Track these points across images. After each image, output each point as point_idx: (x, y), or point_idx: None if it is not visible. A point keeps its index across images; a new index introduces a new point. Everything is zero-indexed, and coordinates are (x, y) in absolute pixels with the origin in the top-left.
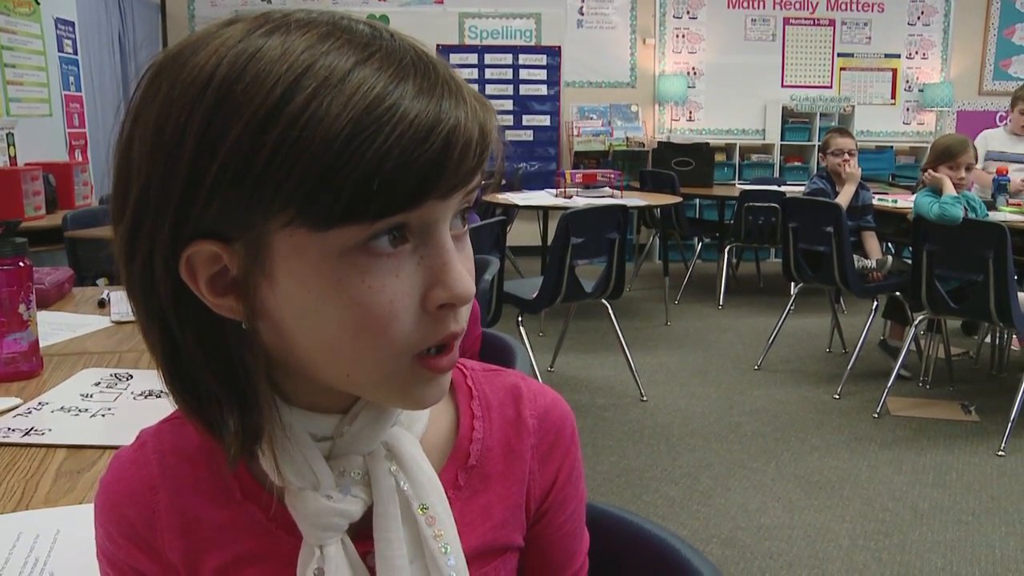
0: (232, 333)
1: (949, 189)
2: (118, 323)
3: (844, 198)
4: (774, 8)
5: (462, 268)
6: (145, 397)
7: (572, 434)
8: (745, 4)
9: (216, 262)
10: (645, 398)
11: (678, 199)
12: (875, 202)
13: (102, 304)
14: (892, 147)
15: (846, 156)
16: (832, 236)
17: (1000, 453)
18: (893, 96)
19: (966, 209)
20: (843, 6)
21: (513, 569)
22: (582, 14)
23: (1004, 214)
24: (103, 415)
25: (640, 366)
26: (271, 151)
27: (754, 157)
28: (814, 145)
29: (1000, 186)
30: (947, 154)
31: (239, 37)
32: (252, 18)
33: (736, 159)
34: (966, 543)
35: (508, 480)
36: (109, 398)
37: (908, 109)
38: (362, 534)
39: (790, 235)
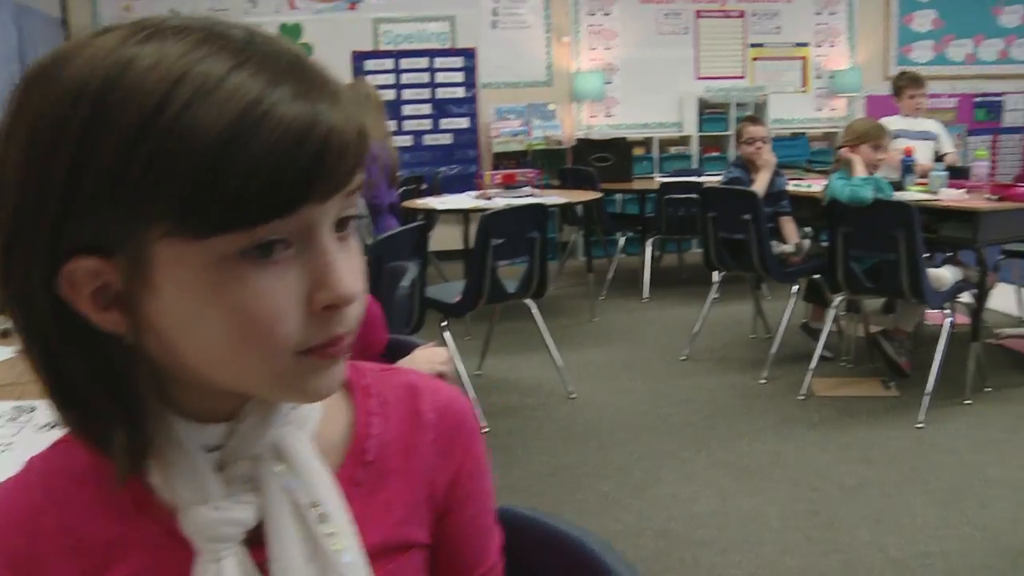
0: (116, 347)
1: (860, 171)
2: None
3: (760, 185)
4: (686, 1)
5: (345, 269)
6: (49, 428)
7: (472, 429)
8: None
9: (97, 277)
10: (574, 395)
11: (598, 195)
12: (791, 187)
13: (5, 334)
14: (805, 134)
15: (759, 144)
16: (750, 223)
17: (919, 425)
18: (804, 84)
19: (875, 190)
20: None
21: (420, 567)
22: (496, 15)
23: (912, 193)
24: (2, 450)
25: (568, 364)
26: (145, 162)
27: (673, 150)
28: (731, 135)
29: (907, 167)
30: (869, 136)
31: (113, 46)
32: (127, 26)
33: (655, 152)
34: (890, 515)
35: (408, 476)
36: (9, 432)
37: (820, 96)
38: (261, 541)
39: (709, 224)
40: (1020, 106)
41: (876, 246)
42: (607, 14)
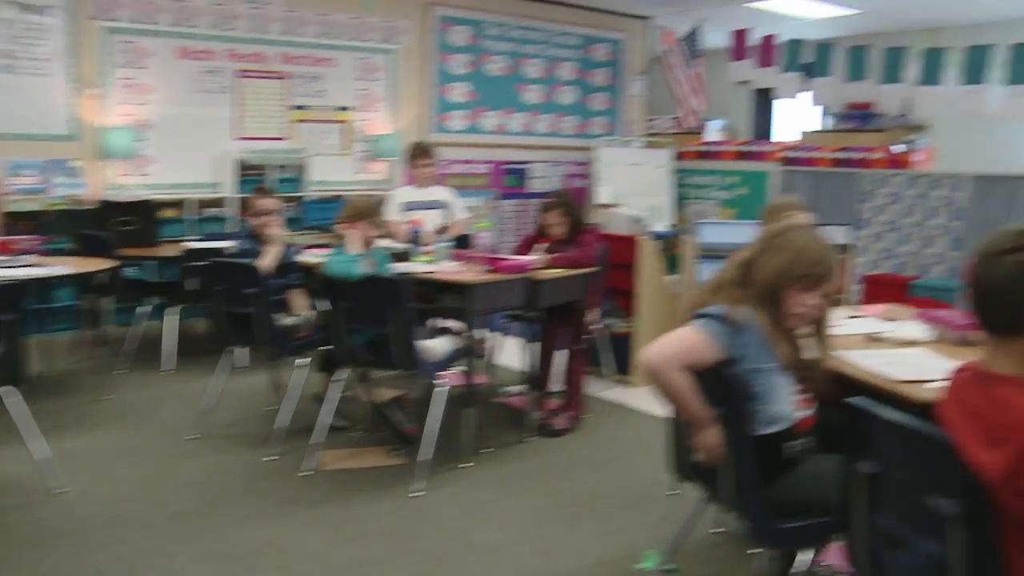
0: None
1: (353, 247)
2: None
3: (268, 260)
4: (227, 60)
5: None
6: None
7: None
8: (195, 55)
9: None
10: (63, 490)
11: (113, 263)
12: (303, 258)
13: None
14: (344, 196)
15: (268, 217)
16: (255, 298)
17: (414, 493)
18: (346, 147)
19: (375, 264)
20: (296, 60)
21: None
22: (12, 58)
23: (416, 264)
24: None
25: (66, 452)
26: None
27: (209, 211)
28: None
29: (414, 238)
30: (367, 213)
31: None
32: None
33: (191, 214)
34: None
35: None
36: None
37: (361, 159)
38: None
39: (216, 298)
40: (543, 173)
41: (372, 320)
42: (141, 67)
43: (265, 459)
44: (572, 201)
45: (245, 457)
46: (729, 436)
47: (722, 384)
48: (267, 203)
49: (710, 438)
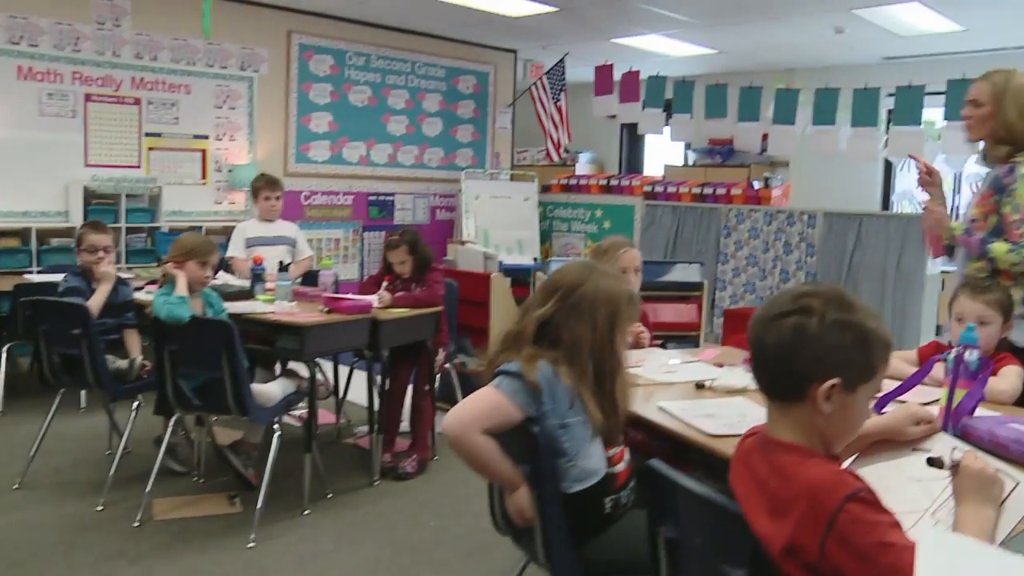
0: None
1: (181, 288)
2: None
3: (99, 298)
4: (73, 83)
5: None
6: None
7: None
8: (39, 76)
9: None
10: None
11: None
12: (140, 296)
13: None
14: (203, 227)
15: (100, 254)
16: (82, 339)
17: (250, 545)
18: (204, 176)
19: (205, 307)
20: (149, 85)
21: None
22: None
23: (256, 304)
24: None
25: None
26: None
27: (56, 241)
28: (122, 227)
29: (256, 275)
30: (197, 251)
31: None
32: None
33: (33, 244)
34: None
35: None
36: None
37: (219, 189)
38: None
39: (42, 338)
40: (408, 206)
41: (202, 364)
42: None
43: (95, 509)
44: (417, 239)
45: (71, 508)
46: (538, 495)
47: (529, 442)
48: (98, 239)
49: (520, 500)
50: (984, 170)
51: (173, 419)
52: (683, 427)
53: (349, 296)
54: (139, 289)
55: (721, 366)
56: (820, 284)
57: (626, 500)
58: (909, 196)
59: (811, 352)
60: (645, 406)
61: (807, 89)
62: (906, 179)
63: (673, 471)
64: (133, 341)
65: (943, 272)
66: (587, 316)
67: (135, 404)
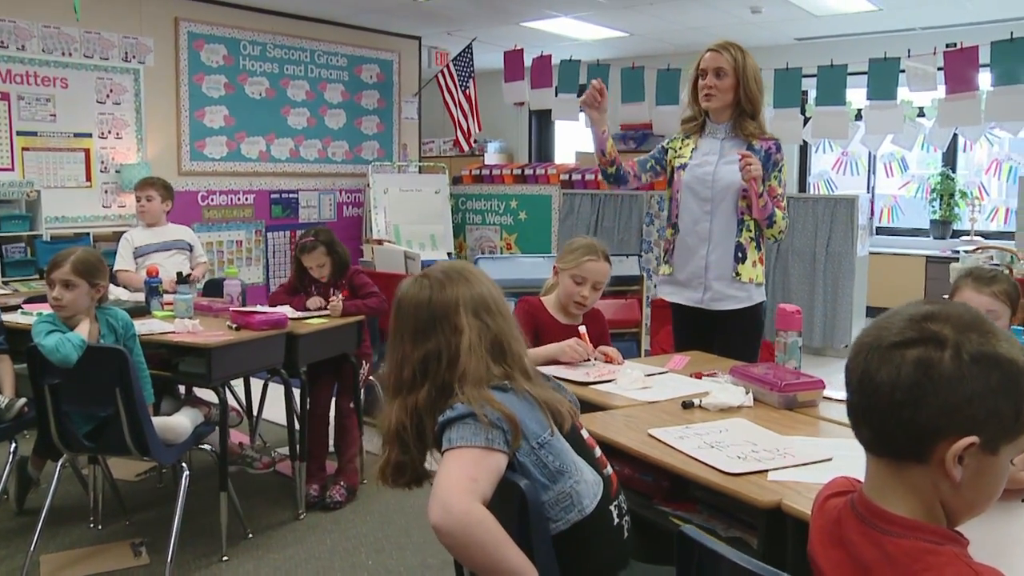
0: None
1: (85, 330)
2: None
3: None
4: None
5: None
6: None
7: None
8: None
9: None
10: None
11: None
12: (13, 317)
13: None
14: (89, 233)
15: None
16: None
17: None
18: (88, 178)
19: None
20: (18, 79)
21: None
22: None
23: (155, 322)
24: None
25: None
26: None
27: None
28: None
29: (151, 288)
30: (88, 273)
31: None
32: None
33: None
34: None
35: None
36: None
37: (107, 191)
38: None
39: None
40: (313, 203)
41: (92, 400)
42: None
43: None
44: (334, 238)
45: None
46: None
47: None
48: None
49: None
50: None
51: (59, 462)
52: (686, 461)
53: (260, 309)
54: (13, 309)
55: (699, 377)
56: (945, 303)
57: (625, 509)
58: (826, 177)
59: (942, 399)
60: (629, 433)
61: None
62: (822, 160)
63: (719, 544)
64: (5, 370)
65: (871, 254)
66: (458, 325)
67: (12, 447)
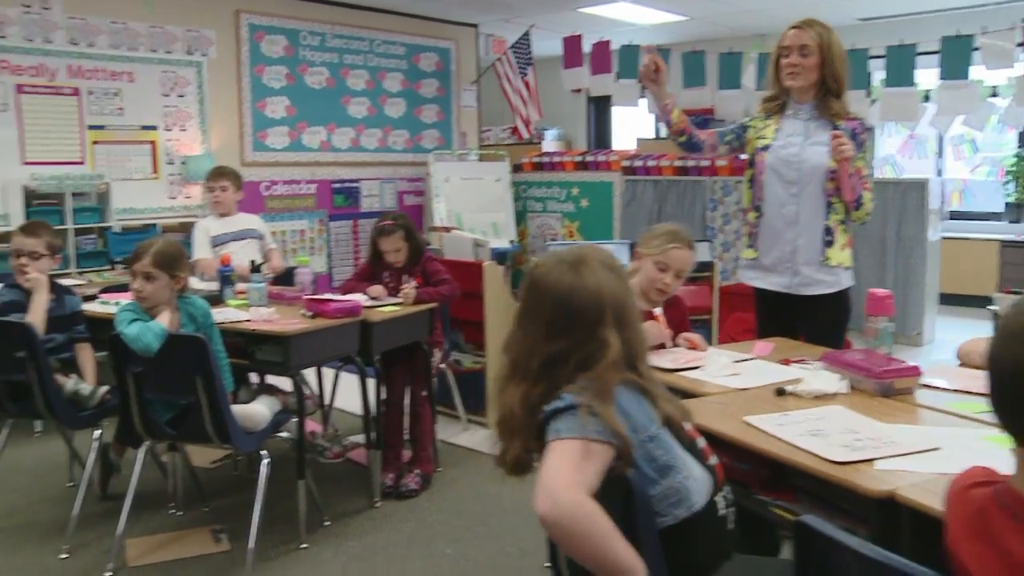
0: None
1: (166, 320)
2: None
3: (37, 312)
4: (3, 73)
5: None
6: None
7: None
8: None
9: None
10: None
11: None
12: (95, 307)
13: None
14: (157, 224)
15: (23, 260)
16: (28, 362)
17: None
18: (155, 170)
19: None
20: (88, 74)
21: None
22: None
23: (230, 311)
24: None
25: None
26: None
27: None
28: (69, 229)
29: (225, 277)
30: (170, 264)
31: None
32: None
33: None
34: None
35: None
36: None
37: (172, 183)
38: None
39: None
40: (375, 192)
41: (173, 387)
42: None
43: (59, 557)
44: (412, 224)
45: (32, 557)
46: (642, 549)
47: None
48: (21, 242)
49: None
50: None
51: (142, 449)
52: (788, 450)
53: (334, 297)
54: (92, 298)
55: (786, 363)
56: None
57: (731, 500)
58: (892, 161)
59: None
60: (725, 420)
61: None
62: (887, 143)
63: (845, 535)
64: (87, 358)
65: (943, 239)
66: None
67: (97, 433)
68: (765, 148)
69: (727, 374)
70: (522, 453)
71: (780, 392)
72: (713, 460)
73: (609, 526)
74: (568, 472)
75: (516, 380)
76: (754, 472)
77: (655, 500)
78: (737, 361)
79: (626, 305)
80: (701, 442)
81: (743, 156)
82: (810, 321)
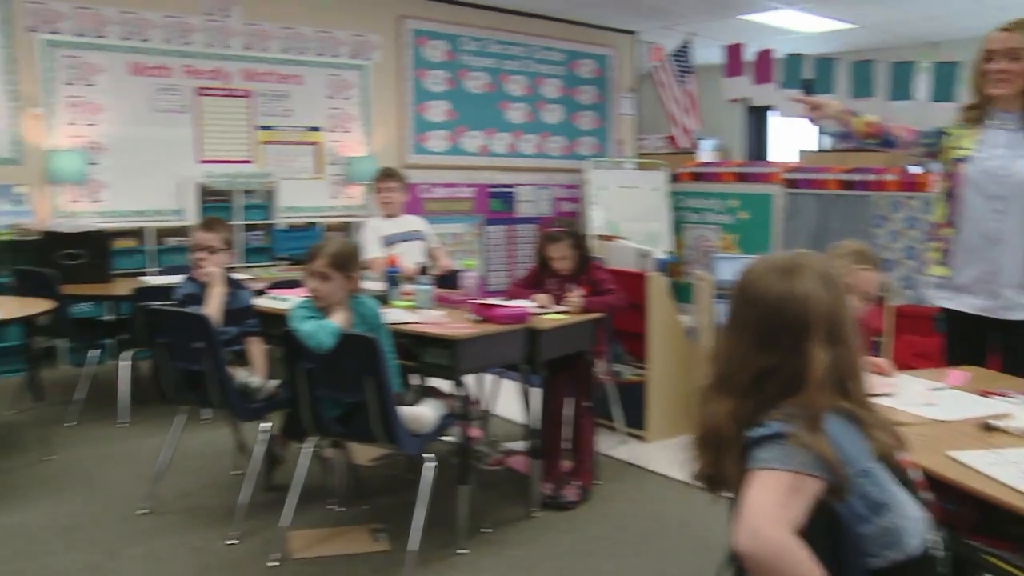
0: None
1: (341, 319)
2: None
3: (214, 304)
4: (184, 76)
5: None
6: None
7: None
8: (150, 71)
9: None
10: None
11: (50, 305)
12: (265, 302)
13: None
14: (319, 223)
15: (202, 254)
16: (205, 353)
17: None
18: (319, 170)
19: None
20: (260, 77)
21: None
22: None
23: (396, 312)
24: None
25: None
26: None
27: (172, 241)
28: (238, 225)
29: (392, 278)
30: (345, 265)
31: None
32: None
33: (150, 244)
34: None
35: None
36: None
37: (335, 183)
38: None
39: (161, 352)
40: (530, 197)
41: (343, 386)
42: (90, 85)
43: (226, 542)
44: (580, 231)
45: (202, 539)
46: None
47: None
48: (201, 237)
49: None
50: None
51: (308, 444)
52: (1008, 493)
53: (502, 302)
54: (260, 293)
55: (986, 395)
56: None
57: (947, 543)
58: None
59: None
60: (926, 455)
61: (964, 62)
62: None
63: None
64: (257, 351)
65: None
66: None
67: (265, 426)
68: (964, 159)
69: (923, 403)
70: (731, 470)
71: (988, 427)
72: (927, 495)
73: (813, 567)
74: (773, 507)
75: (723, 393)
76: (961, 514)
77: (866, 540)
78: (932, 390)
79: (839, 319)
80: (916, 474)
81: (934, 166)
82: (1012, 349)
